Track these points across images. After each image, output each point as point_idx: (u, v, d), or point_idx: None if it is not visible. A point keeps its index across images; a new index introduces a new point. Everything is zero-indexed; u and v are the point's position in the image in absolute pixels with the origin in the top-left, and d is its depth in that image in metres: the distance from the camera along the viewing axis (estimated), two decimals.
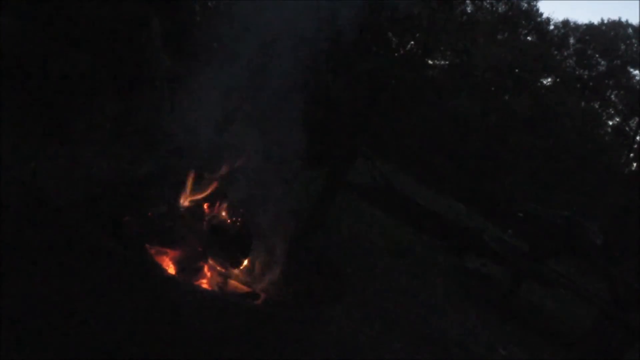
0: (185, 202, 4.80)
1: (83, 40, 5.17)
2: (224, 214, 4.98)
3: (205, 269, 4.54)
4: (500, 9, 37.36)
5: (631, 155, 39.63)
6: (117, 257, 3.60)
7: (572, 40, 43.83)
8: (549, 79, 39.63)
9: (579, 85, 40.40)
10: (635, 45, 43.06)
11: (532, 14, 40.25)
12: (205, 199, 4.97)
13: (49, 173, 4.30)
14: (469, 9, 29.81)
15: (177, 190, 4.82)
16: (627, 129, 40.91)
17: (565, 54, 43.05)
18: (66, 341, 3.44)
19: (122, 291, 3.59)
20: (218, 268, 4.61)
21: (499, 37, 36.31)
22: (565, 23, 44.38)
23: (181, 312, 3.56)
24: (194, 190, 4.94)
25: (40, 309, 3.53)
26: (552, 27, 42.61)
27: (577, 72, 42.14)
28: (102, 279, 3.58)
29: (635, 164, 39.57)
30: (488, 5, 36.23)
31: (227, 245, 4.74)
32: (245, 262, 4.92)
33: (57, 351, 3.39)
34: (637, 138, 40.50)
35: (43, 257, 3.72)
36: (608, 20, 45.33)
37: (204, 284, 4.46)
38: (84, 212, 4.09)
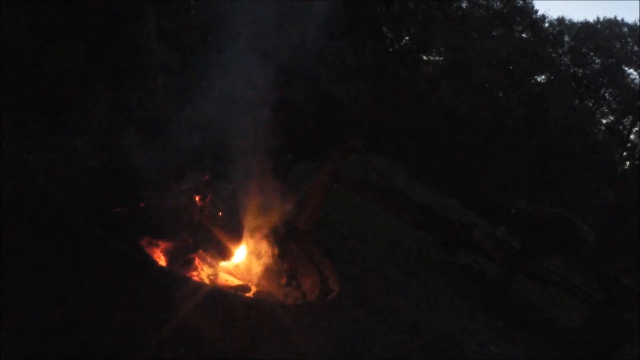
0: (177, 194, 4.79)
1: (79, 32, 5.16)
2: (215, 206, 4.97)
3: (196, 261, 4.53)
4: (495, 5, 37.36)
5: (624, 153, 39.71)
6: (109, 248, 3.58)
7: (567, 38, 43.84)
8: (543, 77, 39.66)
9: (573, 83, 40.41)
10: (630, 44, 43.13)
11: (527, 11, 40.25)
12: (197, 191, 4.97)
13: (43, 163, 4.29)
14: (464, 5, 29.83)
15: (170, 182, 4.81)
16: (620, 127, 40.95)
17: (560, 51, 43.04)
18: (58, 329, 3.43)
19: (114, 282, 3.57)
20: (209, 260, 4.60)
21: (494, 33, 36.29)
22: (561, 21, 44.40)
23: (172, 304, 3.55)
24: (186, 182, 4.93)
25: (32, 299, 3.52)
26: (547, 24, 42.62)
27: (571, 70, 42.15)
28: (93, 269, 3.57)
29: (628, 163, 39.67)
30: (483, 2, 36.24)
31: (218, 237, 4.74)
32: (236, 255, 4.92)
33: (47, 338, 3.38)
34: (631, 137, 40.60)
35: (35, 247, 3.71)
36: (603, 19, 45.36)
37: (195, 276, 4.45)
38: (76, 203, 4.08)
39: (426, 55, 31.85)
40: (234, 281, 4.72)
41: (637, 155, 39.81)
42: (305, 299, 4.94)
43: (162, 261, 4.36)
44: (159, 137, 4.92)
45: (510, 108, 32.17)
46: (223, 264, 4.75)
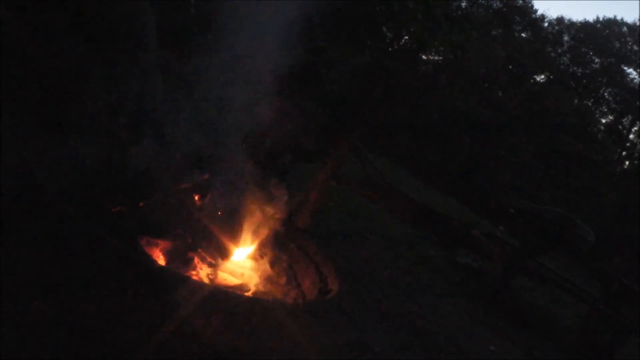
0: (176, 193, 4.79)
1: (77, 31, 5.16)
2: (214, 205, 4.97)
3: (196, 260, 4.53)
4: (495, 4, 37.37)
5: (624, 153, 39.76)
6: (108, 247, 3.58)
7: (566, 38, 43.92)
8: (543, 76, 39.71)
9: (572, 83, 40.46)
10: (630, 43, 43.21)
11: (527, 11, 40.33)
12: (196, 190, 4.97)
13: (41, 162, 4.28)
14: (463, 4, 29.77)
15: (169, 181, 4.81)
16: (620, 127, 40.99)
17: (560, 51, 43.12)
18: (57, 329, 3.43)
19: (113, 281, 3.57)
20: (208, 259, 4.60)
21: (494, 33, 36.31)
22: (560, 20, 44.50)
23: (172, 303, 3.55)
24: (186, 181, 4.93)
25: (31, 298, 3.51)
26: (546, 24, 42.74)
27: (571, 70, 42.22)
28: (92, 269, 3.57)
29: (628, 162, 39.72)
30: (483, 1, 36.24)
31: (218, 236, 4.74)
32: (236, 254, 4.91)
33: (47, 338, 3.38)
34: (630, 136, 40.64)
35: (35, 246, 3.70)
36: (603, 18, 45.48)
37: (194, 275, 4.45)
38: (76, 202, 4.07)
39: (426, 55, 31.88)
40: (233, 280, 4.72)
41: (636, 154, 39.88)
42: (304, 298, 4.94)
43: (161, 260, 4.36)
44: (158, 136, 4.92)
45: (509, 107, 32.18)
46: (222, 263, 4.75)
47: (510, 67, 34.97)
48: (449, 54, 29.96)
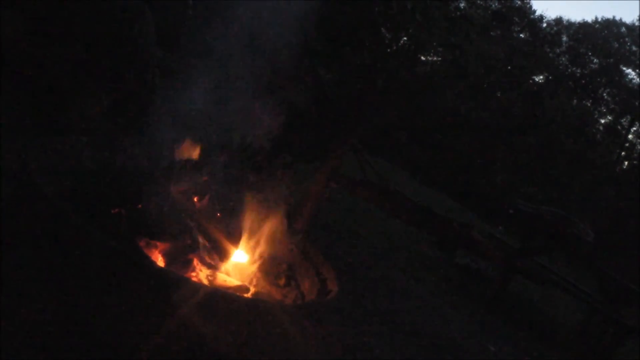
0: (175, 194, 4.79)
1: (77, 32, 5.16)
2: (213, 207, 4.97)
3: (195, 261, 4.53)
4: (493, 5, 37.33)
5: (623, 153, 39.71)
6: (107, 248, 3.58)
7: (565, 38, 43.86)
8: (542, 76, 39.69)
9: (571, 83, 40.44)
10: (629, 43, 43.19)
11: (525, 11, 40.29)
12: (195, 192, 4.96)
13: (40, 164, 4.28)
14: (462, 5, 29.76)
15: (168, 183, 4.81)
16: (619, 127, 40.96)
17: (558, 51, 43.06)
18: (57, 329, 3.42)
19: (112, 282, 3.57)
20: (208, 261, 4.60)
21: (492, 33, 36.26)
22: (558, 21, 44.45)
23: (171, 305, 3.55)
24: (185, 183, 4.93)
25: (31, 298, 3.51)
26: (545, 24, 42.67)
27: (569, 70, 42.17)
28: (92, 270, 3.56)
29: (627, 162, 39.69)
30: (481, 2, 36.20)
31: (217, 238, 4.73)
32: (235, 255, 4.91)
33: (47, 338, 3.37)
34: (629, 136, 40.62)
35: (34, 247, 3.70)
36: (601, 19, 45.42)
37: (194, 276, 4.45)
38: (74, 203, 4.07)
39: (424, 56, 31.88)
40: (232, 282, 4.71)
41: (635, 154, 39.86)
42: (303, 300, 4.94)
43: (160, 262, 4.36)
44: (158, 138, 4.92)
45: (508, 108, 32.16)
46: (222, 264, 4.74)
47: (509, 67, 34.96)
48: (447, 54, 29.94)
